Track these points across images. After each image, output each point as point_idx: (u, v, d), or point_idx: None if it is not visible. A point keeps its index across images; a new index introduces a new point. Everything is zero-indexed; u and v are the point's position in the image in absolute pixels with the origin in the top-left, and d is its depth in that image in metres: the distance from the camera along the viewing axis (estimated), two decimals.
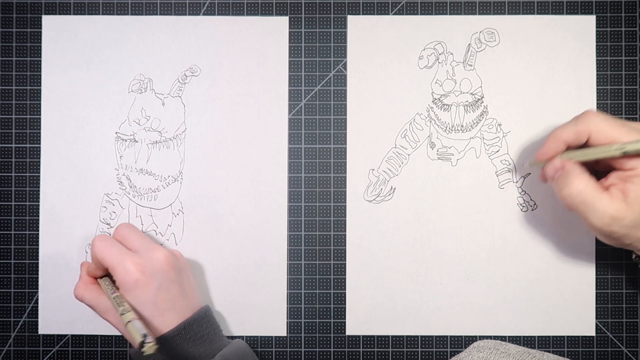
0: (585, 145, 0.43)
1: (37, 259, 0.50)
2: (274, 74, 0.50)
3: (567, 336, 0.50)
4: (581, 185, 0.41)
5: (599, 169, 0.45)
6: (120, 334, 0.50)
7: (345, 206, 0.50)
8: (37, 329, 0.50)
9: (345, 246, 0.50)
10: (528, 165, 0.49)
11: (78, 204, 0.50)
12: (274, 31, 0.50)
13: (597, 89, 0.50)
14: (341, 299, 0.50)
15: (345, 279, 0.50)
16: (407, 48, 0.50)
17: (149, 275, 0.43)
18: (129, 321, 0.41)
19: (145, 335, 0.40)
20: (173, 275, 0.45)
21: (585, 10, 0.50)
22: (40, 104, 0.50)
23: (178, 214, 0.50)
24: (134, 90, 0.50)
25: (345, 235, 0.50)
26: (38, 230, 0.50)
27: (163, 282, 0.44)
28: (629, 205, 0.40)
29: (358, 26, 0.50)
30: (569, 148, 0.43)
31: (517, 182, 0.50)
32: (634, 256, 0.47)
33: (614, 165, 0.42)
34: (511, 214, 0.50)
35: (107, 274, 0.47)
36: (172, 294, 0.44)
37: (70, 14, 0.50)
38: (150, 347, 0.39)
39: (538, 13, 0.50)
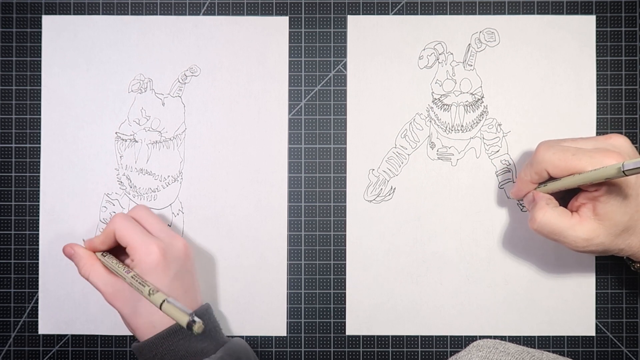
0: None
1: (37, 259, 0.50)
2: (274, 74, 0.50)
3: (567, 336, 0.50)
4: (546, 216, 0.42)
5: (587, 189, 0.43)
6: (121, 333, 0.50)
7: (345, 206, 0.50)
8: (37, 329, 0.50)
9: (345, 246, 0.50)
10: (512, 198, 0.49)
11: (78, 204, 0.50)
12: (274, 31, 0.50)
13: (597, 89, 0.50)
14: (341, 299, 0.50)
15: (345, 279, 0.50)
16: (407, 48, 0.50)
17: (169, 260, 0.44)
18: (164, 300, 0.40)
19: (192, 314, 0.39)
20: (189, 265, 0.46)
21: (585, 10, 0.50)
22: (40, 104, 0.50)
23: (178, 214, 0.50)
24: (134, 90, 0.50)
25: (345, 235, 0.50)
26: (38, 230, 0.50)
27: (180, 270, 0.44)
28: (599, 222, 0.41)
29: (358, 26, 0.50)
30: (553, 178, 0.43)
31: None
32: (625, 257, 0.47)
33: (581, 187, 0.42)
34: (511, 214, 0.50)
35: (108, 252, 0.46)
36: (185, 283, 0.45)
37: (70, 14, 0.50)
38: (199, 326, 0.38)
39: (538, 13, 0.50)
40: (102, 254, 0.46)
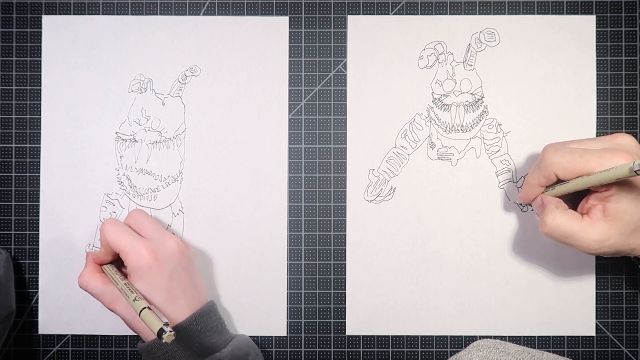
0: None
1: (37, 259, 0.50)
2: (274, 74, 0.50)
3: (567, 336, 0.50)
4: (556, 220, 0.42)
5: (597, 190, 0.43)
6: (121, 333, 0.50)
7: (345, 206, 0.50)
8: (37, 329, 0.50)
9: (345, 246, 0.50)
10: (517, 202, 0.50)
11: (78, 204, 0.50)
12: (274, 31, 0.50)
13: (597, 89, 0.50)
14: (341, 299, 0.50)
15: (345, 279, 0.50)
16: (407, 48, 0.50)
17: (162, 261, 0.43)
18: (144, 308, 0.40)
19: (166, 324, 0.39)
20: (184, 263, 0.45)
21: (585, 10, 0.50)
22: (40, 104, 0.50)
23: (178, 214, 0.50)
24: (134, 90, 0.50)
25: (345, 235, 0.50)
26: (38, 230, 0.50)
27: (175, 269, 0.44)
28: (610, 223, 0.41)
29: (358, 26, 0.50)
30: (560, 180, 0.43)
31: (517, 182, 0.50)
32: (632, 257, 0.47)
33: (591, 188, 0.42)
34: (511, 214, 0.50)
35: (112, 262, 0.47)
36: (183, 281, 0.44)
37: (70, 14, 0.50)
38: (169, 336, 0.38)
39: (538, 13, 0.50)
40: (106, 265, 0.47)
